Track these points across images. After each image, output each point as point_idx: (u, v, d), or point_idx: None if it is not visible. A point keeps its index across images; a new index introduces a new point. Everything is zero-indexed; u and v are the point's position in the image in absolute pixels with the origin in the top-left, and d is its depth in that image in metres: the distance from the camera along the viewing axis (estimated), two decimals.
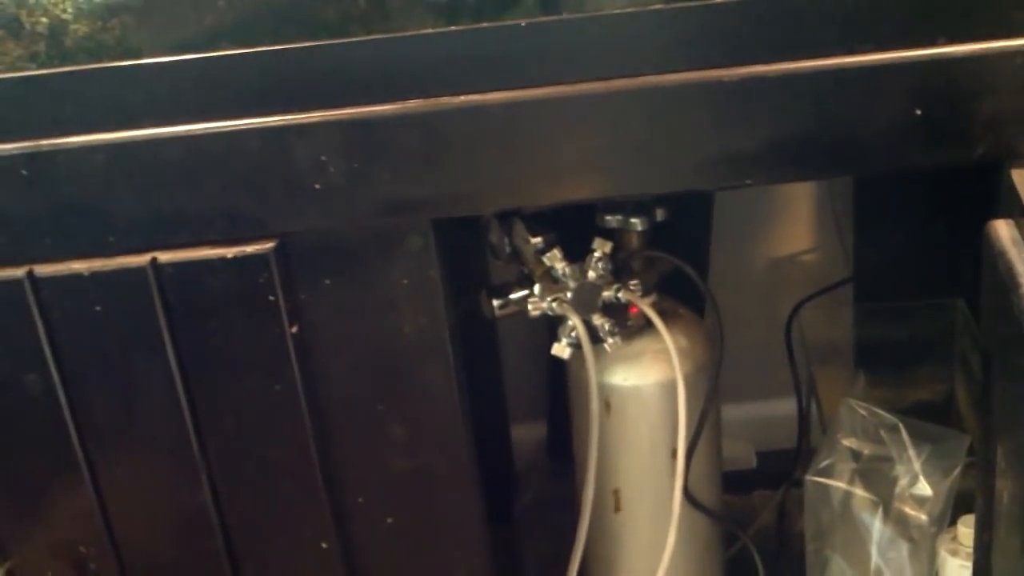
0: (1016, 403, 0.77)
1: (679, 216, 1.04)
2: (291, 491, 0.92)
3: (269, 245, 0.84)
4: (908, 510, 1.01)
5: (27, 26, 0.81)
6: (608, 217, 1.00)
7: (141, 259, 0.84)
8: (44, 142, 0.82)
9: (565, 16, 0.79)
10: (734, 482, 1.36)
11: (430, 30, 0.80)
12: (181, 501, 0.92)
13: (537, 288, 0.97)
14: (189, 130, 0.81)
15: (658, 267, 1.02)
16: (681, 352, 1.01)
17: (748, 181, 0.84)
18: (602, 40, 0.80)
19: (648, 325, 1.00)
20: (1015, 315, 0.73)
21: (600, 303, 0.97)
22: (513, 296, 0.98)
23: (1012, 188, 0.80)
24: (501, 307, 0.98)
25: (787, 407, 1.26)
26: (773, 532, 1.28)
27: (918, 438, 1.02)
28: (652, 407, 1.02)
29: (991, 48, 0.79)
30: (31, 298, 0.85)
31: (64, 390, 0.88)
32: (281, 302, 0.86)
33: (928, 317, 1.21)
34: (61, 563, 0.94)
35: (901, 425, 1.02)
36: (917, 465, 1.01)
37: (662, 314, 1.01)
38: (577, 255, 0.98)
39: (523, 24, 0.79)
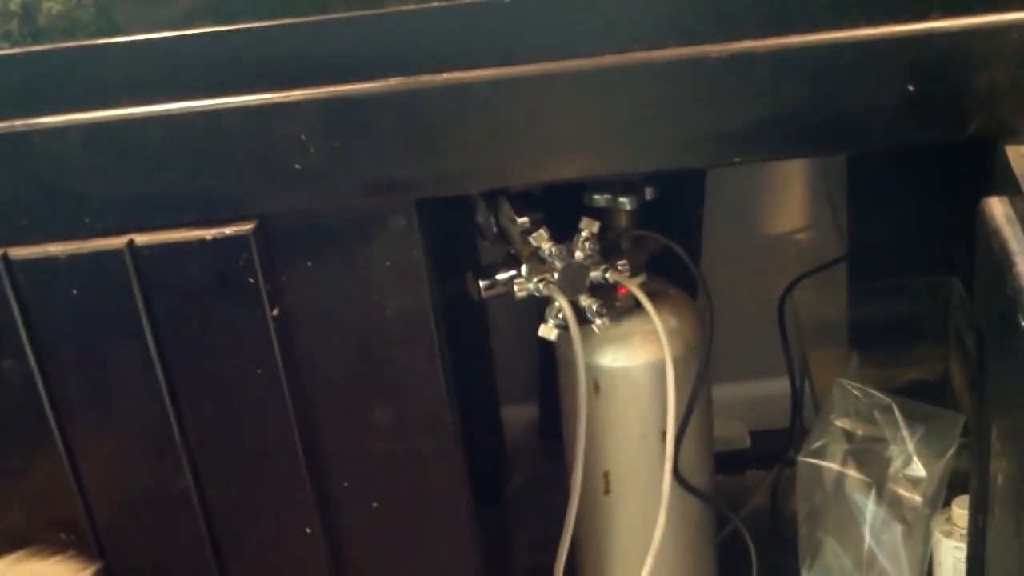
0: (1010, 384, 0.75)
1: (671, 194, 1.02)
2: (274, 476, 0.91)
3: (248, 227, 0.83)
4: (902, 491, 1.00)
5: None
6: (596, 196, 0.99)
7: (118, 241, 0.83)
8: (18, 122, 0.80)
9: None
10: (727, 462, 1.35)
11: (412, 6, 0.78)
12: (162, 487, 0.91)
13: (524, 269, 0.95)
14: (166, 109, 0.80)
15: (647, 246, 1.01)
16: (671, 333, 0.99)
17: (737, 159, 0.83)
18: (588, 15, 0.78)
19: (637, 306, 0.98)
20: (1009, 295, 0.71)
21: (588, 284, 0.95)
22: (500, 277, 0.97)
23: (1006, 165, 0.79)
24: (488, 288, 0.97)
25: (780, 386, 1.25)
26: (766, 513, 1.27)
27: (912, 418, 1.01)
28: (642, 389, 1.01)
29: (985, 22, 0.78)
30: (6, 282, 0.83)
31: (41, 376, 0.86)
32: (261, 284, 0.84)
33: (923, 296, 1.20)
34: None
35: (895, 405, 1.01)
36: (911, 446, 1.00)
37: (652, 294, 1.00)
38: (566, 234, 0.97)
39: (506, 0, 0.78)
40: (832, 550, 1.02)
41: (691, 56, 0.79)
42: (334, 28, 0.78)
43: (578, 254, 0.95)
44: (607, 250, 0.98)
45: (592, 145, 0.82)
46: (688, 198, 1.28)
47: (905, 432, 1.00)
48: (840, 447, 1.02)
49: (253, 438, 0.90)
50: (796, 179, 1.40)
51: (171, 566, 0.94)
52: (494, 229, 0.97)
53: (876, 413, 1.02)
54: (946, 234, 1.12)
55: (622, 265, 0.97)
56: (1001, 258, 0.74)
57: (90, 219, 0.83)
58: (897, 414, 1.01)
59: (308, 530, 0.93)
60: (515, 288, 0.95)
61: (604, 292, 0.97)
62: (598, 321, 0.96)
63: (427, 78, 0.79)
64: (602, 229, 0.97)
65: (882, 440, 1.01)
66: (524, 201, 0.96)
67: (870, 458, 1.01)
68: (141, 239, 0.83)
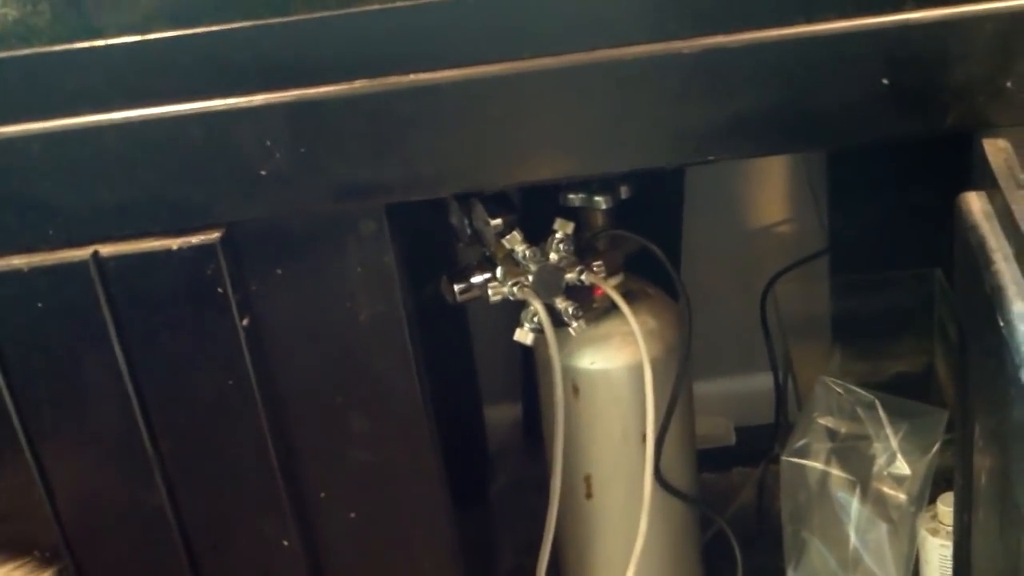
0: (990, 382, 0.74)
1: (649, 191, 1.01)
2: (249, 488, 0.90)
3: (215, 235, 0.81)
4: (886, 490, 0.99)
5: None
6: (571, 196, 0.97)
7: (83, 252, 0.81)
8: None
9: None
10: (713, 459, 1.34)
11: (376, 7, 0.76)
12: (136, 501, 0.89)
13: (499, 271, 0.94)
14: (127, 117, 0.78)
15: (624, 246, 1.00)
16: (650, 333, 0.98)
17: (711, 157, 0.81)
18: (557, 13, 0.77)
19: (615, 307, 0.97)
20: (987, 292, 0.70)
21: (563, 286, 0.94)
22: (475, 280, 0.95)
23: (983, 158, 0.77)
24: (463, 292, 0.95)
25: (765, 381, 1.24)
26: (753, 511, 1.26)
27: (895, 415, 1.00)
28: (621, 391, 1.00)
29: (960, 13, 0.76)
30: None
31: (9, 390, 0.85)
32: (230, 294, 0.83)
33: (906, 288, 1.19)
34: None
35: (878, 402, 1.00)
36: (895, 443, 0.99)
37: (629, 294, 0.99)
38: (543, 235, 0.96)
39: None
40: (817, 550, 1.01)
41: (661, 53, 0.77)
42: (297, 30, 0.77)
43: (553, 256, 0.93)
44: (583, 250, 0.96)
45: (563, 146, 0.81)
46: (667, 195, 1.27)
47: (889, 429, 0.99)
48: (823, 446, 1.01)
49: (227, 450, 0.88)
50: (777, 171, 1.39)
51: None
52: (468, 231, 0.96)
53: (859, 410, 1.01)
54: (928, 225, 1.11)
55: (598, 266, 0.96)
56: (979, 255, 0.73)
57: (54, 230, 0.81)
58: (880, 411, 1.00)
59: (285, 542, 0.91)
60: (489, 292, 0.93)
61: (581, 293, 0.96)
62: (575, 324, 0.94)
63: (394, 79, 0.78)
64: (578, 229, 0.96)
65: (865, 438, 1.00)
66: (498, 202, 0.95)
67: (854, 456, 1.00)
68: (106, 250, 0.81)
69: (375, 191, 0.81)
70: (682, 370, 1.01)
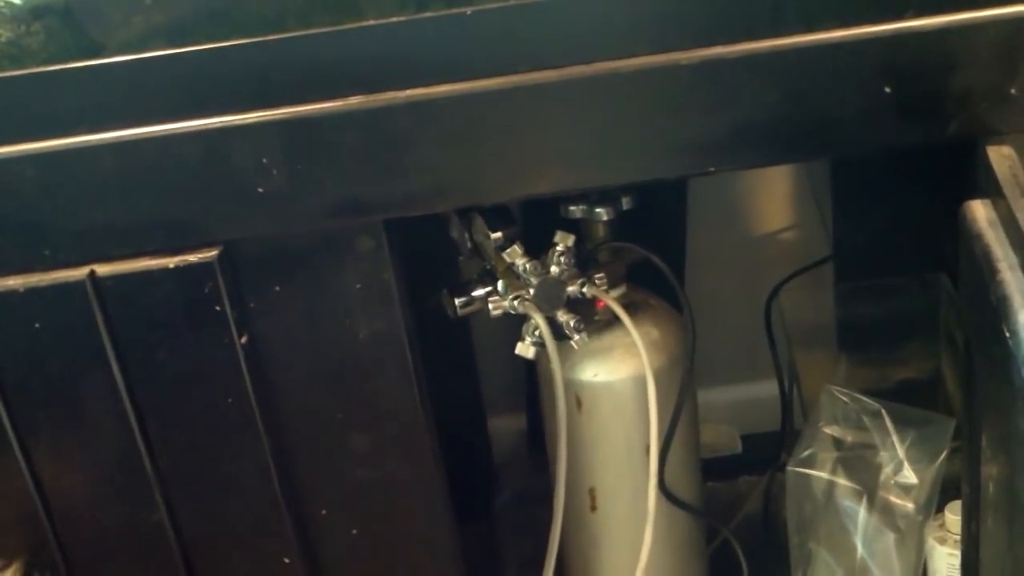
0: (997, 391, 0.73)
1: (652, 200, 1.00)
2: (250, 506, 0.89)
3: (213, 253, 0.81)
4: (893, 499, 0.98)
5: None
6: (572, 208, 0.97)
7: (79, 272, 0.81)
8: None
9: (512, 3, 0.75)
10: (719, 468, 1.34)
11: (372, 22, 0.76)
12: (136, 519, 0.89)
13: (500, 285, 0.93)
14: (123, 136, 0.77)
15: (626, 257, 0.99)
16: (653, 345, 0.97)
17: (712, 168, 0.81)
18: (553, 27, 0.76)
19: (617, 318, 0.96)
20: (993, 303, 0.69)
21: (564, 298, 0.93)
22: (476, 294, 0.95)
23: (988, 166, 0.77)
24: (464, 306, 0.95)
25: (771, 389, 1.24)
26: (759, 520, 1.25)
27: (901, 423, 0.99)
28: (625, 403, 0.99)
29: (961, 20, 0.76)
30: None
31: (7, 411, 0.84)
32: (229, 312, 0.82)
33: (911, 294, 1.19)
34: None
35: (884, 411, 0.99)
36: (901, 451, 0.98)
37: (632, 306, 0.98)
38: (544, 247, 0.95)
39: (468, 13, 0.75)
40: (824, 561, 1.00)
41: (660, 65, 0.76)
42: (292, 47, 0.76)
43: (554, 269, 0.93)
44: (585, 262, 0.96)
45: (562, 159, 0.80)
46: (670, 204, 1.26)
47: (895, 438, 0.98)
48: (829, 455, 1.00)
49: (227, 468, 0.88)
50: (780, 179, 1.39)
51: None
52: (468, 245, 0.95)
53: (865, 419, 1.00)
54: (933, 230, 1.10)
55: (599, 278, 0.95)
56: (984, 264, 0.72)
57: (50, 251, 0.80)
58: (887, 419, 0.99)
59: (287, 560, 0.91)
60: (490, 306, 0.93)
61: (582, 306, 0.95)
62: (576, 336, 0.94)
63: (390, 95, 0.77)
64: (579, 241, 0.95)
65: (872, 447, 0.99)
66: (499, 215, 0.94)
67: (860, 465, 0.99)
68: (103, 269, 0.81)
69: (373, 207, 0.80)
70: (686, 380, 1.00)
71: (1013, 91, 0.76)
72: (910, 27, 0.76)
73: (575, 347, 0.95)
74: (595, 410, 1.00)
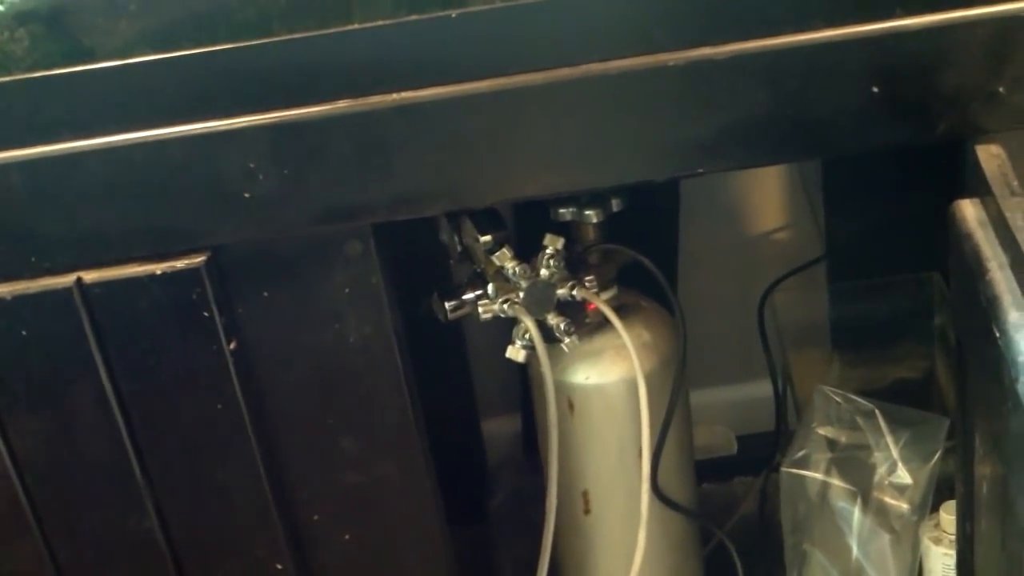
0: (988, 391, 0.73)
1: (644, 201, 1.00)
2: (241, 512, 0.89)
3: (200, 259, 0.80)
4: (888, 499, 0.98)
5: None
6: (562, 210, 0.96)
7: (66, 279, 0.80)
8: None
9: (499, 5, 0.75)
10: (714, 469, 1.33)
11: (358, 26, 0.75)
12: (127, 528, 0.88)
13: (490, 288, 0.93)
14: (109, 142, 0.77)
15: (617, 259, 0.99)
16: (644, 347, 0.97)
17: (701, 169, 0.80)
18: (540, 29, 0.76)
19: (608, 321, 0.96)
20: (983, 303, 0.69)
21: (555, 301, 0.93)
22: (467, 297, 0.94)
23: (976, 165, 0.76)
24: (454, 309, 0.94)
25: (766, 389, 1.23)
26: (755, 521, 1.25)
27: (895, 423, 0.99)
28: (616, 405, 0.99)
29: (949, 19, 0.75)
30: None
31: None
32: (217, 318, 0.82)
33: (904, 293, 1.18)
34: None
35: (877, 411, 0.99)
36: (895, 452, 0.98)
37: (623, 308, 0.98)
38: (534, 250, 0.95)
39: (453, 15, 0.75)
40: (819, 562, 1.00)
41: (648, 66, 0.76)
42: (278, 51, 0.76)
43: (543, 272, 0.92)
44: (575, 265, 0.96)
45: (550, 162, 0.80)
46: (662, 204, 1.26)
47: (889, 438, 0.98)
48: (823, 456, 1.00)
49: (217, 474, 0.87)
50: (773, 179, 1.38)
51: None
52: (458, 248, 0.95)
53: (859, 419, 1.00)
54: (926, 228, 1.10)
55: (589, 281, 0.95)
56: (974, 264, 0.72)
57: (36, 257, 0.80)
58: (880, 420, 0.99)
59: (279, 566, 0.90)
60: (479, 310, 0.92)
61: (573, 309, 0.95)
62: (567, 339, 0.93)
63: (377, 99, 0.77)
64: (569, 243, 0.95)
65: (866, 447, 0.99)
66: (488, 218, 0.94)
67: (854, 466, 0.99)
68: (90, 276, 0.80)
69: (361, 211, 0.80)
70: (677, 382, 1.00)
71: (1001, 90, 0.76)
72: (898, 26, 0.75)
73: (566, 350, 0.95)
74: (587, 413, 1.00)
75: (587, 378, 0.98)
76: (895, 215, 1.17)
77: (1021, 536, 0.71)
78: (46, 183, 0.78)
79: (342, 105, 0.77)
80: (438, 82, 0.76)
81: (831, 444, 1.00)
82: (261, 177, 0.78)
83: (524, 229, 1.03)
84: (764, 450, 1.24)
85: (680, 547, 1.08)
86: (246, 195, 0.78)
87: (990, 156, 0.76)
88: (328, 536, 0.91)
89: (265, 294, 0.83)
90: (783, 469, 1.01)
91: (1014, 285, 0.68)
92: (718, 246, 1.38)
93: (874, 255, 1.21)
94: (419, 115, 0.77)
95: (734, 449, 1.41)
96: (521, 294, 0.92)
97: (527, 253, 0.94)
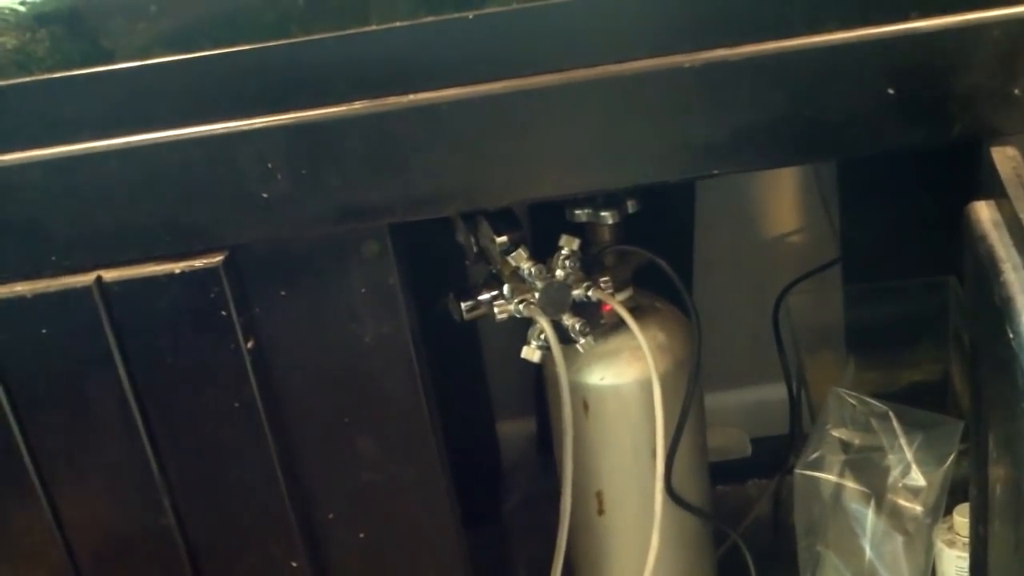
0: (1002, 394, 0.73)
1: (660, 203, 1.00)
2: (258, 510, 0.89)
3: (218, 258, 0.81)
4: (902, 502, 0.97)
5: None
6: (577, 211, 0.97)
7: (86, 278, 0.81)
8: None
9: (515, 7, 0.76)
10: (728, 472, 1.33)
11: (375, 27, 0.76)
12: (144, 525, 0.89)
13: (506, 289, 0.93)
14: (128, 142, 0.78)
15: (632, 260, 0.99)
16: (659, 348, 0.97)
17: (715, 171, 0.81)
18: (556, 30, 0.76)
19: (624, 322, 0.96)
20: (997, 304, 0.69)
21: (570, 302, 0.93)
22: (482, 298, 0.95)
23: (991, 167, 0.76)
24: (470, 310, 0.95)
25: (780, 392, 1.23)
26: (769, 523, 1.25)
27: (910, 426, 0.99)
28: (631, 406, 0.99)
29: (964, 21, 0.75)
30: None
31: (15, 417, 0.85)
32: (234, 317, 0.82)
33: (920, 296, 1.18)
34: None
35: (891, 413, 0.99)
36: (909, 454, 0.98)
37: (638, 309, 0.98)
38: (550, 251, 0.95)
39: (471, 17, 0.76)
40: (832, 564, 1.00)
41: (663, 67, 0.77)
42: (296, 52, 0.76)
43: (559, 272, 0.93)
44: (590, 266, 0.96)
45: (566, 162, 0.80)
46: (678, 206, 1.26)
47: (903, 440, 0.98)
48: (837, 458, 1.00)
49: (234, 472, 0.88)
50: (788, 181, 1.38)
51: None
52: (474, 249, 0.95)
53: (873, 421, 1.00)
54: (942, 232, 1.10)
55: (605, 282, 0.95)
56: (988, 265, 0.72)
57: (56, 256, 0.81)
58: (894, 422, 0.99)
59: (294, 563, 0.91)
60: (495, 310, 0.93)
61: (588, 309, 0.95)
62: (582, 340, 0.94)
63: (394, 100, 0.77)
64: (585, 244, 0.95)
65: (880, 449, 0.99)
66: (504, 219, 0.94)
67: (868, 468, 0.99)
68: (109, 275, 0.81)
69: (377, 212, 0.81)
70: (692, 384, 1.00)
71: (1016, 92, 0.76)
72: (913, 28, 0.76)
73: (581, 351, 0.95)
74: (601, 413, 1.00)
75: (602, 379, 0.99)
76: (910, 218, 1.17)
77: None
78: (66, 182, 0.79)
79: (359, 106, 0.77)
80: (455, 83, 0.77)
81: (845, 446, 1.00)
82: (279, 177, 0.78)
83: (540, 230, 1.04)
84: (778, 452, 1.24)
85: (694, 548, 1.08)
86: (264, 195, 0.79)
87: (1005, 158, 0.76)
88: (343, 535, 0.91)
89: (282, 293, 0.84)
90: (797, 471, 1.01)
91: None
92: (733, 248, 1.38)
93: (889, 258, 1.21)
94: (436, 116, 0.77)
95: (748, 451, 1.41)
96: (537, 295, 0.92)
97: (543, 254, 0.95)
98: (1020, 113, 0.77)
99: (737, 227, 1.38)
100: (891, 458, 0.98)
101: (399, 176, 0.79)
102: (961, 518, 0.96)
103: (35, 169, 0.78)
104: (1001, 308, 0.68)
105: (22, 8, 0.76)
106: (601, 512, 1.04)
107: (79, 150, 0.78)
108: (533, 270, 0.92)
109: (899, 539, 0.97)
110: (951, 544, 0.97)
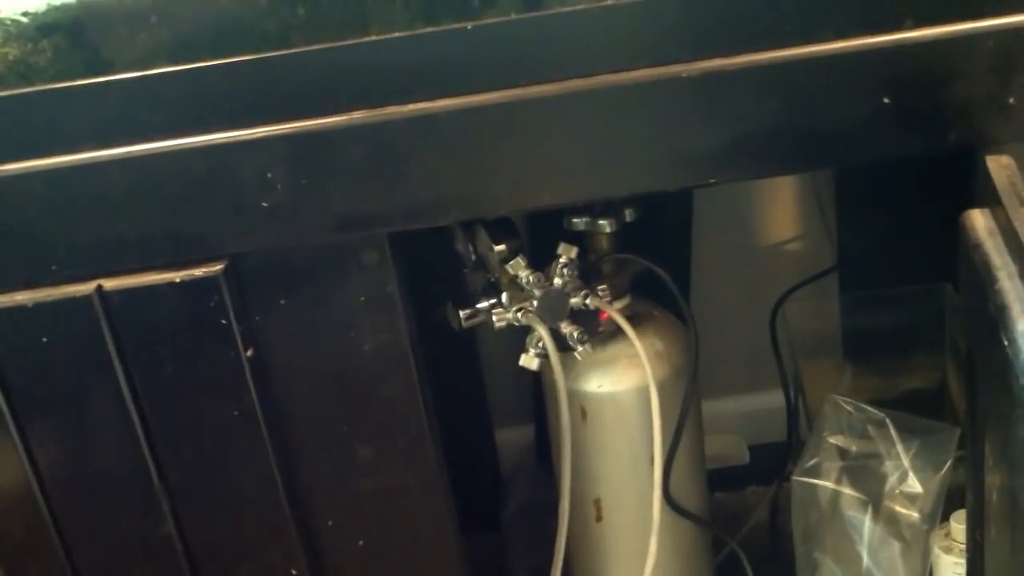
0: (997, 399, 0.74)
1: (657, 211, 1.00)
2: (257, 518, 0.90)
3: (218, 267, 0.81)
4: (899, 508, 0.98)
5: None
6: (575, 220, 0.97)
7: (86, 287, 0.81)
8: None
9: (513, 17, 0.76)
10: (726, 479, 1.34)
11: (373, 38, 0.76)
12: (144, 533, 0.89)
13: (504, 297, 0.94)
14: (128, 152, 0.78)
15: (630, 268, 0.99)
16: (656, 356, 0.98)
17: (712, 180, 0.81)
18: (552, 41, 0.77)
19: (622, 329, 0.96)
20: (992, 312, 0.70)
21: (568, 310, 0.94)
22: (481, 306, 0.95)
23: (986, 175, 0.77)
24: (469, 318, 0.95)
25: (777, 399, 1.24)
26: (766, 530, 1.25)
27: (906, 432, 0.99)
28: (629, 414, 0.99)
29: (959, 30, 0.76)
30: None
31: (15, 426, 0.85)
32: (234, 325, 0.83)
33: (917, 303, 1.19)
34: None
35: (888, 420, 1.00)
36: (906, 461, 0.98)
37: (636, 317, 0.98)
38: (548, 259, 0.95)
39: (469, 27, 0.76)
40: (830, 570, 1.00)
41: (660, 77, 0.77)
42: (295, 63, 0.77)
43: (557, 281, 0.93)
44: (588, 274, 0.96)
45: (563, 172, 0.80)
46: (675, 214, 1.27)
47: (900, 447, 0.99)
48: (834, 465, 1.00)
49: (234, 480, 0.88)
50: (785, 189, 1.39)
51: None
52: (472, 257, 0.96)
53: (870, 428, 1.00)
54: (938, 239, 1.10)
55: (602, 290, 0.95)
56: (984, 273, 0.72)
57: (57, 265, 0.81)
58: (891, 429, 0.99)
59: (294, 571, 0.91)
60: (493, 318, 0.93)
61: (586, 317, 0.96)
62: (580, 348, 0.94)
63: (392, 109, 0.78)
64: (583, 252, 0.95)
65: (877, 456, 0.99)
66: (502, 227, 0.94)
67: (865, 475, 0.99)
68: (109, 284, 0.82)
69: (377, 221, 0.81)
70: (690, 391, 1.00)
71: (1011, 101, 0.77)
72: (908, 38, 0.76)
73: (579, 358, 0.95)
74: (600, 421, 1.00)
75: (600, 386, 0.99)
76: (907, 226, 1.18)
77: None
78: (67, 192, 0.79)
79: (358, 115, 0.78)
80: (453, 93, 0.77)
81: (842, 453, 1.01)
82: (278, 187, 0.79)
83: (538, 238, 1.04)
84: (776, 459, 1.24)
85: (692, 555, 1.08)
86: (263, 204, 0.79)
87: (1000, 167, 0.77)
88: (342, 542, 0.92)
89: (282, 302, 0.84)
90: (794, 478, 1.01)
91: (1023, 294, 0.69)
92: (731, 256, 1.38)
93: (886, 266, 1.21)
94: (434, 125, 0.78)
95: (746, 458, 1.41)
96: (535, 303, 0.93)
97: (541, 262, 0.95)
98: (1015, 122, 0.78)
99: (734, 235, 1.39)
100: (888, 465, 0.98)
101: (398, 185, 0.80)
102: (958, 524, 0.96)
103: (36, 178, 0.79)
104: (996, 316, 0.69)
105: (24, 19, 0.76)
106: (599, 519, 1.04)
107: (80, 160, 0.78)
108: (531, 278, 0.92)
109: (896, 545, 0.98)
110: (948, 550, 0.97)
